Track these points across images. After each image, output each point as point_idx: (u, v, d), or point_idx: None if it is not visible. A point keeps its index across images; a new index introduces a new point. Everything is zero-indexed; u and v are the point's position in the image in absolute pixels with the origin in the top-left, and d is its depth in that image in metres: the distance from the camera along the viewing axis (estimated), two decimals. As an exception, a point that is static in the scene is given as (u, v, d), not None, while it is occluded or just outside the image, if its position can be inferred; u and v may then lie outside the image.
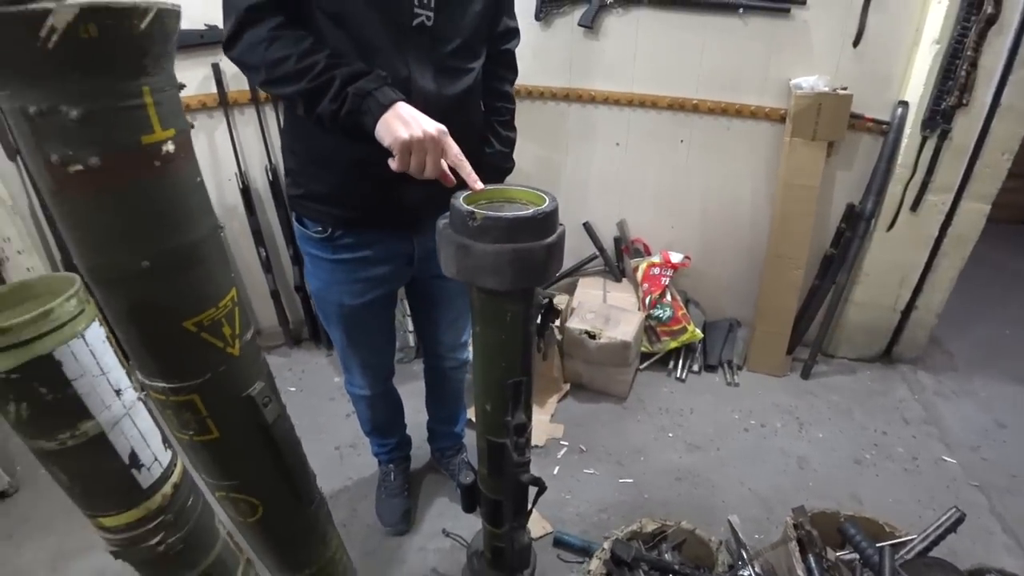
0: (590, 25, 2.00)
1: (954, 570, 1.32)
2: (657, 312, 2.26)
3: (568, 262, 2.50)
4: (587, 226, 2.40)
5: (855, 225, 2.03)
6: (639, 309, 2.29)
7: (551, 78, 2.18)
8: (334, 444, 1.91)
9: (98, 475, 0.56)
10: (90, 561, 1.54)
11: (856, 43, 1.81)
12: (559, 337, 2.14)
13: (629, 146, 2.26)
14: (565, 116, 2.25)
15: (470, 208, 0.80)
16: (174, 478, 0.63)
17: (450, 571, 1.51)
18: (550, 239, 0.84)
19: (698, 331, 2.30)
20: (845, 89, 1.83)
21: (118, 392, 0.55)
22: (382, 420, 1.57)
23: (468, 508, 1.23)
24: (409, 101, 0.99)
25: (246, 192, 2.14)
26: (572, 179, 2.37)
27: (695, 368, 2.32)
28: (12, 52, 0.48)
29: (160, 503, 0.61)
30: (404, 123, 0.86)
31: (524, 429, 1.04)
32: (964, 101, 1.71)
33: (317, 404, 2.09)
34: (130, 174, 0.58)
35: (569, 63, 2.14)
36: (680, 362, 2.32)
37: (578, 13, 2.01)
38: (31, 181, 1.93)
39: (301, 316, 2.40)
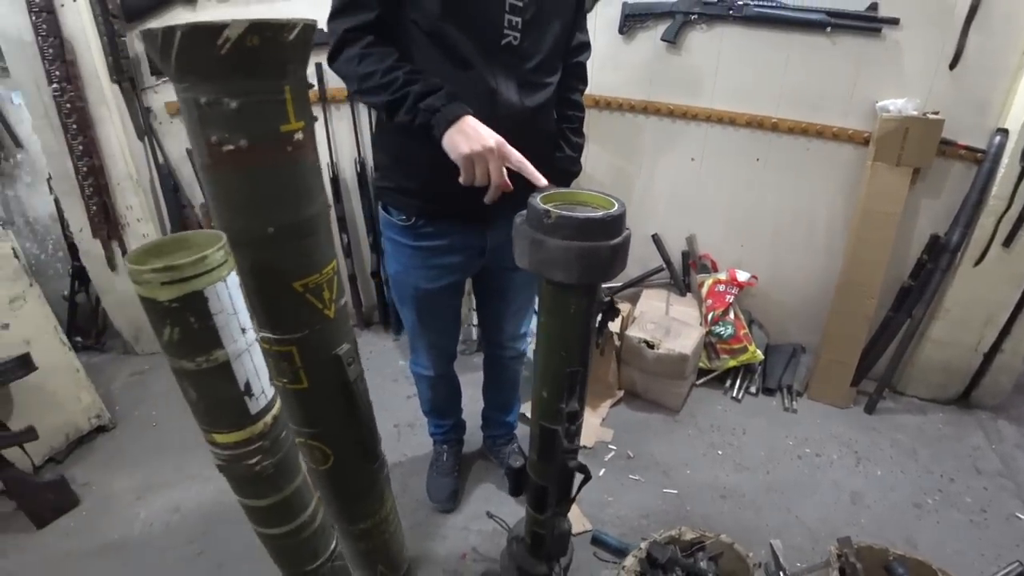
0: (673, 40, 2.04)
1: None
2: (719, 329, 2.25)
3: (634, 272, 2.52)
4: (655, 238, 2.42)
5: (938, 257, 1.93)
6: (701, 324, 2.28)
7: (630, 90, 2.22)
8: (393, 422, 2.04)
9: (219, 396, 0.68)
10: (171, 495, 1.75)
11: (953, 65, 1.74)
12: (618, 344, 2.17)
13: (704, 162, 2.26)
14: (642, 128, 2.28)
15: (545, 207, 0.88)
16: (274, 411, 0.74)
17: (489, 552, 1.58)
18: (616, 240, 0.91)
19: (759, 352, 2.26)
20: (936, 114, 1.76)
21: (243, 331, 0.67)
22: (441, 401, 1.68)
23: (515, 492, 1.29)
24: (494, 111, 1.09)
25: (335, 181, 2.33)
26: (644, 190, 2.40)
27: (752, 390, 2.28)
28: (196, 55, 0.62)
29: (262, 429, 0.72)
30: (465, 138, 0.98)
31: (576, 417, 1.10)
32: (1074, 133, 1.60)
33: (381, 384, 2.24)
34: (269, 155, 0.71)
35: (649, 76, 2.18)
36: (738, 382, 2.29)
37: (661, 28, 2.05)
38: (154, 158, 2.21)
39: (374, 301, 2.57)
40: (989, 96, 1.76)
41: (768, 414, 2.17)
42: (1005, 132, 1.74)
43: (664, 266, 2.45)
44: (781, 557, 1.51)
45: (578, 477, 1.17)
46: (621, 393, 2.24)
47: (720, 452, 1.97)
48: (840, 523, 1.68)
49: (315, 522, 0.89)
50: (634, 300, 2.48)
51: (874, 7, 1.75)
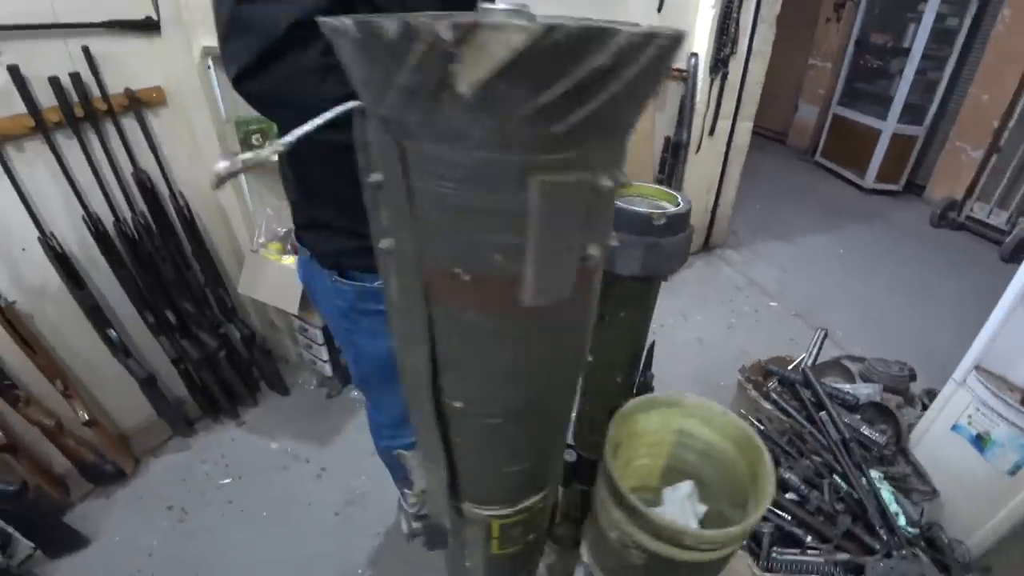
0: None
1: (838, 364, 2.00)
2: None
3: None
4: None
5: (676, 153, 2.59)
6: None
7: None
8: (332, 510, 1.65)
9: None
10: None
11: (660, 8, 2.25)
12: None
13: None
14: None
15: (647, 211, 0.88)
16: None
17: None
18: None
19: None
20: (662, 47, 2.27)
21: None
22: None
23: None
24: None
25: (63, 259, 1.53)
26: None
27: (587, 301, 2.67)
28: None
29: None
30: None
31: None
32: (733, 51, 2.33)
33: (273, 480, 1.74)
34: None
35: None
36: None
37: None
38: None
39: (184, 391, 1.88)
40: (683, 30, 2.35)
41: (610, 314, 2.61)
42: (696, 55, 2.39)
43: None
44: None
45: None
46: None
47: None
48: (704, 362, 2.25)
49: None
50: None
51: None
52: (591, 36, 0.28)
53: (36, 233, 1.48)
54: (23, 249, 1.50)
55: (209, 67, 1.61)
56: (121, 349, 1.68)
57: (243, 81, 0.67)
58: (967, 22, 3.71)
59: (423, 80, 0.29)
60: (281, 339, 2.17)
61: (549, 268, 0.40)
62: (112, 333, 1.65)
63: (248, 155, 0.36)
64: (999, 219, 3.54)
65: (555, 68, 0.28)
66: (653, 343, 1.11)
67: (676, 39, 0.32)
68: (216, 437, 1.89)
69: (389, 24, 0.28)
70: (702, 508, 0.79)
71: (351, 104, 0.42)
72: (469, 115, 0.30)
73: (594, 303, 0.51)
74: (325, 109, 0.70)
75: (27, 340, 1.50)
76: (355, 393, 2.09)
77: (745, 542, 1.39)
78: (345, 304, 1.00)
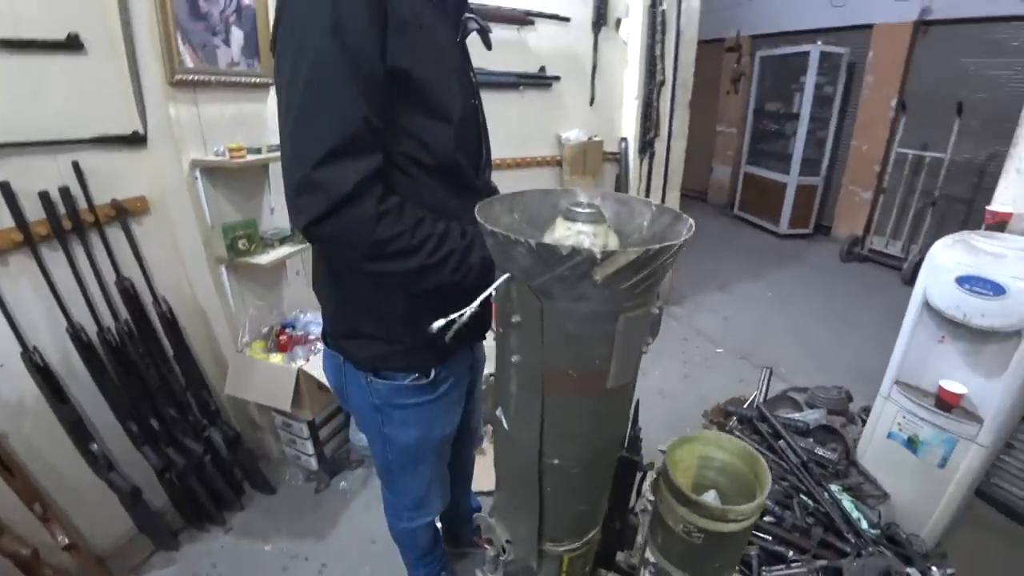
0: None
1: (786, 397, 2.24)
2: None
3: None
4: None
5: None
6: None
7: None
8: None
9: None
10: None
11: (592, 103, 2.62)
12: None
13: (446, 204, 2.56)
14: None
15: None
16: None
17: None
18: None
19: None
20: (597, 136, 2.62)
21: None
22: (434, 533, 1.50)
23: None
24: None
25: (45, 372, 1.51)
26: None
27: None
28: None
29: None
30: None
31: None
32: (656, 134, 2.73)
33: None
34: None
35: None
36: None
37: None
38: None
39: (165, 502, 1.80)
40: (612, 119, 2.74)
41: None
42: (626, 139, 2.76)
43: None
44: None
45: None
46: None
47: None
48: (668, 411, 2.43)
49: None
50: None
51: (543, 69, 2.42)
52: (663, 250, 0.51)
53: (17, 348, 1.47)
54: (1, 365, 1.47)
55: (196, 178, 1.71)
56: (104, 463, 1.62)
57: (311, 228, 0.78)
58: (840, 88, 4.50)
59: (573, 273, 0.51)
60: (263, 437, 2.14)
61: (625, 364, 0.65)
62: (94, 447, 1.60)
63: (453, 318, 0.63)
64: (895, 248, 4.16)
65: (645, 266, 0.51)
66: (638, 402, 1.28)
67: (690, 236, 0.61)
68: (204, 547, 1.81)
69: (562, 247, 0.52)
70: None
71: (505, 276, 0.62)
72: (594, 289, 0.53)
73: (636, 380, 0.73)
74: (379, 245, 0.86)
75: (5, 463, 1.44)
76: (343, 484, 2.08)
77: (738, 567, 1.52)
78: (379, 401, 1.08)
